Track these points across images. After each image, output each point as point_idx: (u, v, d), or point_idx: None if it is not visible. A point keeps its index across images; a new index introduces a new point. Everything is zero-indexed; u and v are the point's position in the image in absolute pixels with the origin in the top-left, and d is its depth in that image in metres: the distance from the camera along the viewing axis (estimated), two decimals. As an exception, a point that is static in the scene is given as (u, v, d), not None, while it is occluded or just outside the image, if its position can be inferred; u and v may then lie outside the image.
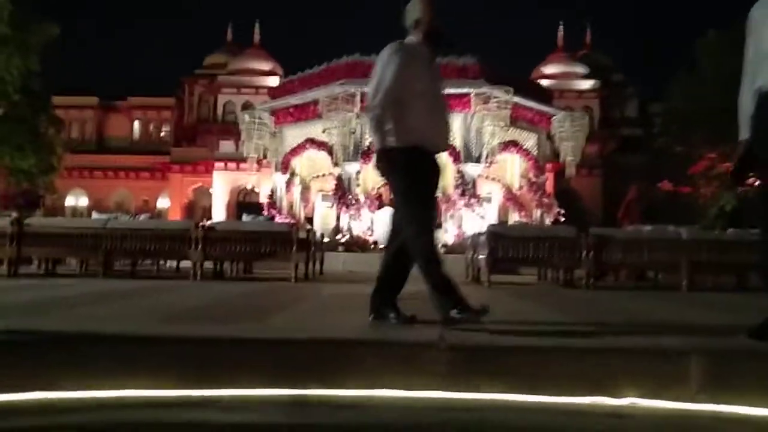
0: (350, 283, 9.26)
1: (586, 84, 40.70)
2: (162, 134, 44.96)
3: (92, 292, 6.27)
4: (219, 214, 37.04)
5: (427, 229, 3.79)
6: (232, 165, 36.52)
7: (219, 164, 37.61)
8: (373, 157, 4.50)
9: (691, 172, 30.65)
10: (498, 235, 8.75)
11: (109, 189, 41.90)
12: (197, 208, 40.42)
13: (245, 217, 9.49)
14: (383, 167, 3.96)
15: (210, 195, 38.50)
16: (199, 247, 8.51)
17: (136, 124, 45.16)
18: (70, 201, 42.09)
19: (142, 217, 9.20)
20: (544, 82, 32.97)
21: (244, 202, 35.24)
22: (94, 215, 9.67)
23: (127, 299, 5.66)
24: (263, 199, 30.40)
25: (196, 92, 42.98)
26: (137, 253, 8.74)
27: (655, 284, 11.14)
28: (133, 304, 5.24)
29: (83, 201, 42.20)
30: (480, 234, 10.57)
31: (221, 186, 37.77)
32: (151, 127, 45.24)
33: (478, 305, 3.69)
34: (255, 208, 25.97)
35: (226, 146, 36.49)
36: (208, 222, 9.36)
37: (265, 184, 28.79)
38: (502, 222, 8.74)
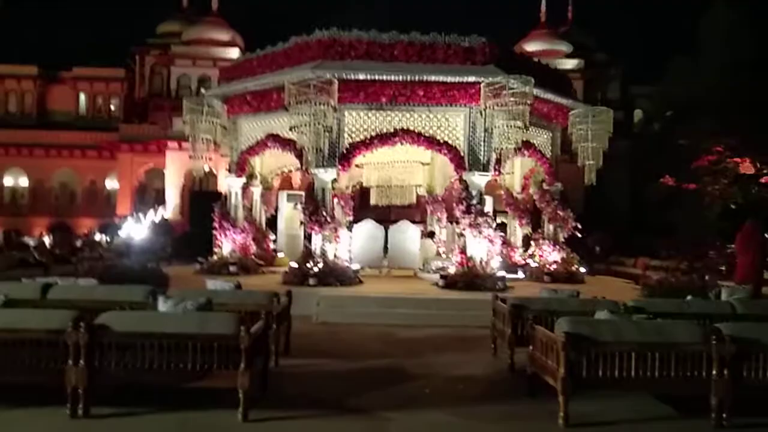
0: (347, 414, 5.89)
1: (570, 63, 37.89)
2: (111, 109, 41.58)
3: None
4: (172, 198, 33.47)
5: None
6: (187, 145, 32.48)
7: (173, 144, 33.92)
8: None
9: (695, 165, 27.93)
10: (583, 341, 5.28)
11: (52, 168, 39.08)
12: (149, 190, 37.44)
13: (161, 305, 5.77)
14: None
15: (163, 177, 34.69)
16: (81, 362, 4.96)
17: (82, 96, 41.50)
18: (7, 181, 40.04)
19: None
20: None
21: (199, 191, 31.34)
22: None
23: None
24: (221, 186, 26.93)
25: (148, 63, 40.89)
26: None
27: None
28: None
29: (23, 181, 40.01)
30: (530, 302, 7.26)
31: (175, 168, 34.21)
32: (99, 100, 41.71)
33: None
34: (210, 196, 22.58)
35: (181, 124, 32.53)
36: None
37: (224, 167, 25.32)
38: (586, 319, 5.64)
